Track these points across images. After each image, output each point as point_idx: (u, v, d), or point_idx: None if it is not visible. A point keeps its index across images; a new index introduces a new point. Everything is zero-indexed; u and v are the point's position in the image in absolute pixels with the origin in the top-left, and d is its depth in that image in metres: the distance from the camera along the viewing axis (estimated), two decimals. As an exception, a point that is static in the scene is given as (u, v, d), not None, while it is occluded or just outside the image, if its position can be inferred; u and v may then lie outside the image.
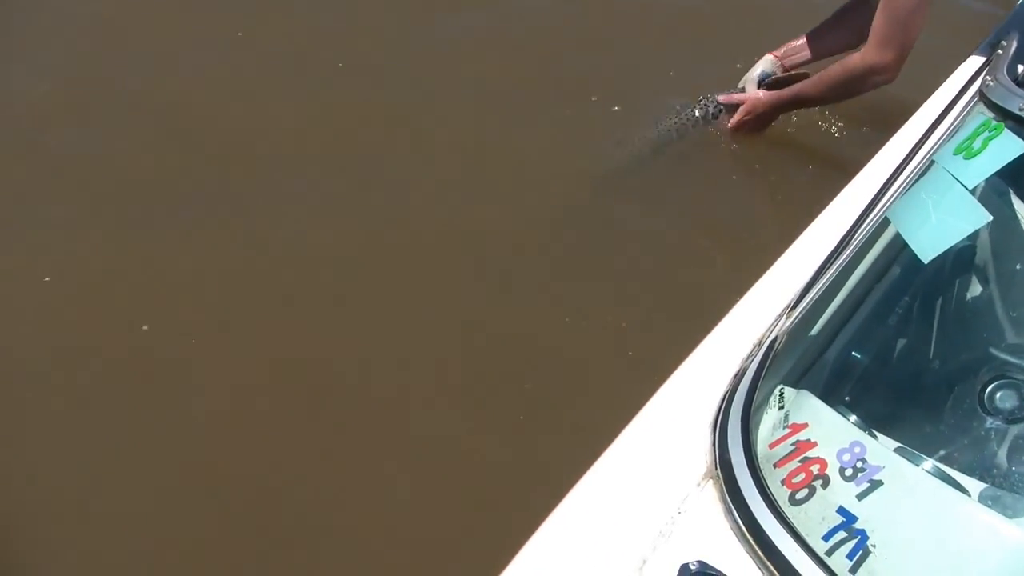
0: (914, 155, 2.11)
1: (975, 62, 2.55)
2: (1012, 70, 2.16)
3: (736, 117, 3.50)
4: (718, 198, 3.51)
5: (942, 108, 2.30)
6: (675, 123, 3.62)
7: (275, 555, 2.48)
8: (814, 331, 1.85)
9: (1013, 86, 1.94)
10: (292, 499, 2.59)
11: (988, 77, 2.03)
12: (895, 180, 2.03)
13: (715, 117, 3.60)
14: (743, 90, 3.53)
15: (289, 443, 2.70)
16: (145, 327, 3.02)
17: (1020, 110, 1.85)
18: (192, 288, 3.17)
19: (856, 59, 3.03)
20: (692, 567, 1.43)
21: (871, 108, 3.41)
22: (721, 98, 3.56)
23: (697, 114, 3.61)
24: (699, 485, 1.56)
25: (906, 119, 2.32)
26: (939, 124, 2.19)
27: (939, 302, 2.05)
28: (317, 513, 2.56)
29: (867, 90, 3.14)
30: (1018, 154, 1.77)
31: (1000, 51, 2.28)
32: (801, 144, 3.63)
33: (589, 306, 3.10)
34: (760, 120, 3.48)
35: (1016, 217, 1.91)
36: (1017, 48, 2.36)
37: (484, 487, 2.60)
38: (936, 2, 2.95)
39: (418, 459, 2.68)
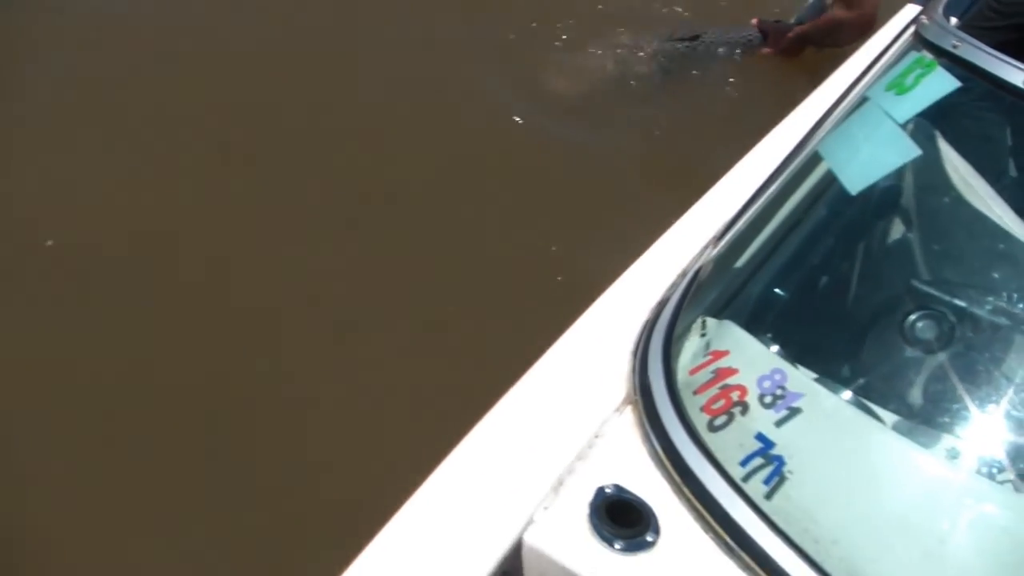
0: (849, 93, 2.12)
1: (911, 10, 2.59)
2: (948, 11, 2.19)
3: (770, 43, 4.01)
4: (676, 126, 3.56)
5: (880, 49, 2.33)
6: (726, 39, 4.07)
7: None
8: (739, 263, 1.87)
9: (947, 24, 1.97)
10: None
11: (923, 16, 2.05)
12: (829, 116, 2.04)
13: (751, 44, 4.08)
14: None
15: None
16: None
17: (953, 47, 1.87)
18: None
19: (838, 11, 3.55)
20: (608, 490, 1.44)
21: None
22: (754, 21, 4.11)
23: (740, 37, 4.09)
24: (618, 410, 1.57)
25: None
26: (876, 64, 2.21)
27: (865, 237, 2.09)
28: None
29: (847, 39, 3.50)
30: (949, 90, 1.79)
31: (934, -4, 2.30)
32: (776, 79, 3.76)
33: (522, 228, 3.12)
34: (789, 47, 3.98)
35: (942, 155, 1.93)
36: (952, -7, 2.40)
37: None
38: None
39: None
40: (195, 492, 2.50)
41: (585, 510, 1.41)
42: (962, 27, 2.43)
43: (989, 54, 1.86)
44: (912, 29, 2.08)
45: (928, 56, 1.91)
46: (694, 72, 3.92)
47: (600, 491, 1.43)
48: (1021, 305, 1.78)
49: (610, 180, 3.35)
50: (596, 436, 1.53)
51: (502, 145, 3.50)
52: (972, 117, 2.10)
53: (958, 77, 1.82)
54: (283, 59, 3.81)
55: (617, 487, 1.44)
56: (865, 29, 3.20)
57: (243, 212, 3.20)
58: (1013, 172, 2.27)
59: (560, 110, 3.67)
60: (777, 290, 1.95)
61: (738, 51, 3.99)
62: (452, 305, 2.92)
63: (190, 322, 2.88)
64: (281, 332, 2.88)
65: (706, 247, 1.81)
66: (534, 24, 4.06)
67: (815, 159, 1.92)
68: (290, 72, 3.74)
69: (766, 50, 4.00)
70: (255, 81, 3.70)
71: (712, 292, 1.79)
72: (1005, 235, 1.83)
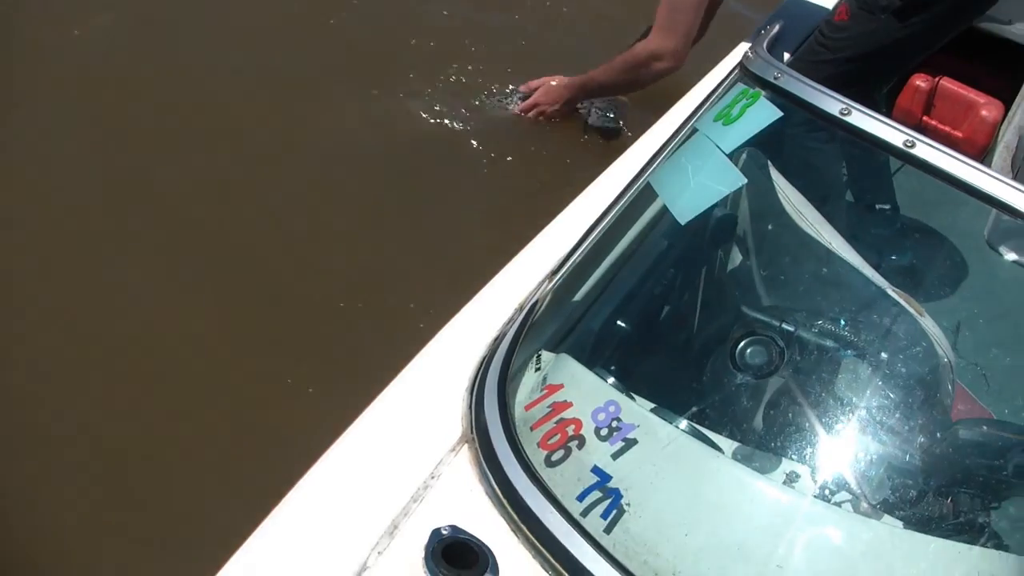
0: (682, 129, 2.19)
1: (746, 48, 2.69)
2: (774, 49, 2.28)
3: (530, 100, 3.70)
4: (493, 177, 3.59)
5: (712, 88, 2.41)
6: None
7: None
8: (575, 296, 1.91)
9: (770, 57, 2.06)
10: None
11: (749, 51, 2.14)
12: (662, 152, 2.11)
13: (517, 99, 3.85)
14: None
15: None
16: None
17: (775, 78, 1.96)
18: None
19: (640, 46, 3.20)
20: (444, 532, 1.44)
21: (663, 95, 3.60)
22: (521, 87, 3.84)
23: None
24: (454, 450, 1.58)
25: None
26: (708, 100, 2.29)
27: (697, 266, 2.16)
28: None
29: (651, 78, 3.32)
30: (772, 120, 1.87)
31: (763, 32, 2.41)
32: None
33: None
34: (555, 103, 3.67)
35: (771, 183, 2.01)
36: (780, 31, 2.51)
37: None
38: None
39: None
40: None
41: (421, 553, 1.41)
42: (793, 61, 2.55)
43: (809, 85, 1.96)
44: (739, 62, 2.17)
45: (752, 87, 1.99)
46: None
47: (436, 533, 1.44)
48: (848, 328, 1.85)
49: (449, 215, 3.38)
50: (432, 476, 1.55)
51: (342, 174, 3.51)
52: (798, 145, 2.20)
53: (780, 107, 1.91)
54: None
55: (453, 528, 1.45)
56: (677, 62, 3.16)
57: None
58: (838, 197, 2.38)
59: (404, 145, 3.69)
60: (613, 322, 2.00)
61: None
62: (290, 346, 2.90)
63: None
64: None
65: (542, 282, 1.85)
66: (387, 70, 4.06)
67: (647, 191, 1.97)
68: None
69: (525, 105, 3.74)
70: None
71: (548, 326, 1.82)
72: (832, 259, 1.91)
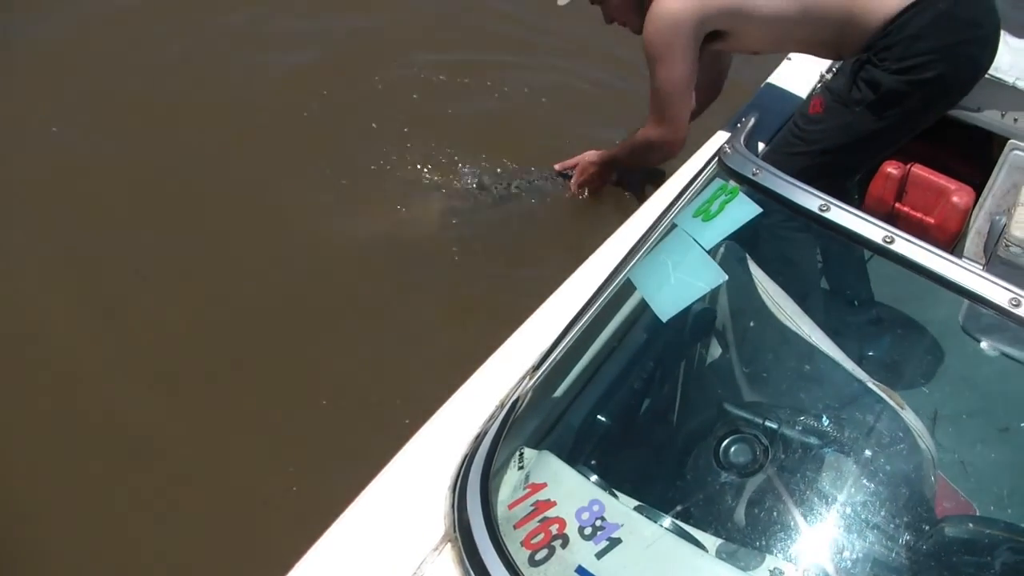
0: (661, 221, 2.21)
1: (722, 137, 2.73)
2: (750, 141, 2.32)
3: (574, 179, 3.76)
4: (470, 270, 3.58)
5: (690, 178, 2.44)
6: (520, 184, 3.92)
7: None
8: (557, 392, 1.92)
9: (748, 153, 2.09)
10: None
11: (727, 145, 2.18)
12: (642, 245, 2.12)
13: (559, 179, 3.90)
14: None
15: None
16: None
17: (753, 174, 1.99)
18: None
19: (640, 133, 3.27)
20: (428, 633, 1.44)
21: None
22: (557, 166, 3.86)
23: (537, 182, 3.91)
24: (436, 549, 1.58)
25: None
26: (686, 192, 2.31)
27: (678, 362, 2.17)
28: None
29: (657, 160, 3.40)
30: (752, 216, 1.90)
31: (739, 124, 2.44)
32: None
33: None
34: (594, 177, 3.71)
35: (752, 279, 2.03)
36: (755, 123, 2.55)
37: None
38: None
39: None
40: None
41: (404, 656, 1.41)
42: (768, 152, 2.59)
43: (787, 181, 1.99)
44: (717, 158, 2.20)
45: (731, 183, 2.02)
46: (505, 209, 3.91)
47: (419, 634, 1.43)
48: (831, 424, 1.86)
49: (420, 313, 3.39)
50: (415, 576, 1.54)
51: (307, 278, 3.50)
52: (776, 238, 2.23)
53: (759, 203, 1.93)
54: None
55: (437, 629, 1.44)
56: (674, 147, 3.17)
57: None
58: (816, 289, 2.41)
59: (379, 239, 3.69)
60: (594, 419, 2.01)
61: (548, 198, 3.84)
62: (272, 445, 2.88)
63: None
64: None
65: (523, 378, 1.85)
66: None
67: (627, 286, 1.99)
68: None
69: (573, 184, 3.80)
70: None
71: (530, 423, 1.83)
72: (813, 353, 1.92)
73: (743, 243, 2.06)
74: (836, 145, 2.65)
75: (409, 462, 1.72)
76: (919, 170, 3.15)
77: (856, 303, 2.59)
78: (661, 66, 2.90)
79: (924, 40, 2.54)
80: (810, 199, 1.96)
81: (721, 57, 3.25)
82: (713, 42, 2.88)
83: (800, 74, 3.18)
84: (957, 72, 2.65)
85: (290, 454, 2.85)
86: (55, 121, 3.99)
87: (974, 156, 3.33)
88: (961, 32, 2.60)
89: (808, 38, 2.82)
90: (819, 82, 3.03)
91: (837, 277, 2.64)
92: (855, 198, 3.18)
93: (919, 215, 3.18)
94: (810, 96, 2.92)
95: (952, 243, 3.20)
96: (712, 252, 1.94)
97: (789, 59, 3.25)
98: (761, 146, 2.74)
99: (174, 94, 4.26)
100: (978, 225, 3.22)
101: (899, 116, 2.63)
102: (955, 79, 2.67)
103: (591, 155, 3.69)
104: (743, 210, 1.93)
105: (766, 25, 2.76)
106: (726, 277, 1.87)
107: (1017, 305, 1.81)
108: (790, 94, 3.11)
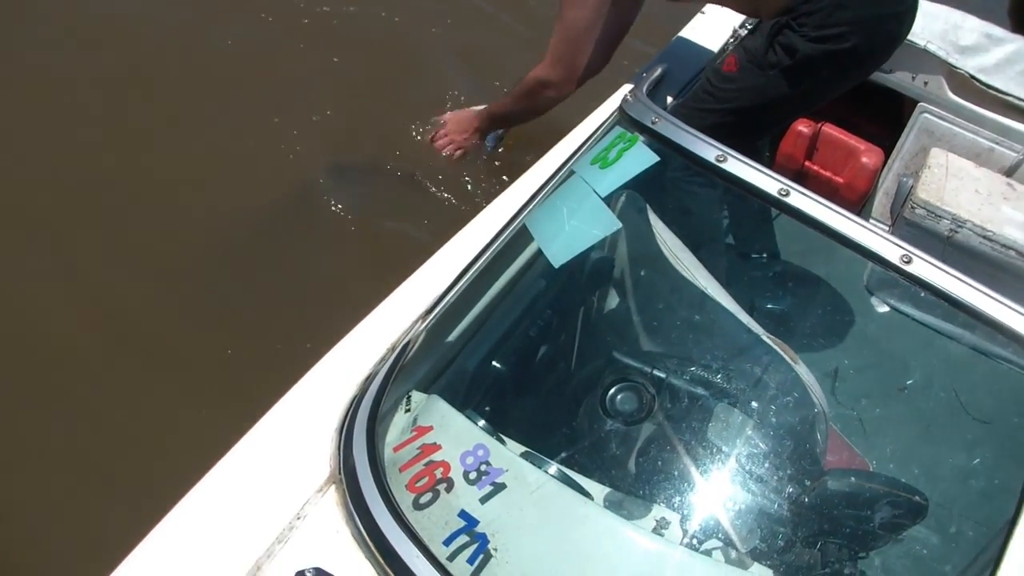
0: (561, 169, 2.23)
1: (627, 89, 2.75)
2: (655, 93, 2.35)
3: (441, 132, 3.73)
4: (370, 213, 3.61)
5: (594, 128, 2.46)
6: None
7: None
8: (448, 337, 1.94)
9: (648, 101, 2.12)
10: None
11: (628, 94, 2.20)
12: (540, 193, 2.14)
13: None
14: None
15: None
16: None
17: (652, 123, 2.02)
18: None
19: (531, 73, 3.19)
20: (308, 574, 1.45)
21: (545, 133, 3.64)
22: (435, 116, 3.86)
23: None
24: (321, 490, 1.60)
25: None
26: (587, 141, 2.33)
27: (572, 309, 2.20)
28: None
29: (543, 107, 3.30)
30: (649, 164, 1.93)
31: (644, 74, 2.47)
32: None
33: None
34: (465, 132, 3.69)
35: (652, 230, 2.06)
36: (662, 74, 2.58)
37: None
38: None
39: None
40: None
41: (283, 596, 1.43)
42: (677, 106, 2.63)
43: (686, 131, 2.03)
44: (618, 106, 2.22)
45: (630, 131, 2.05)
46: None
47: (300, 575, 1.45)
48: (721, 374, 1.91)
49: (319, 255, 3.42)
50: (297, 518, 1.56)
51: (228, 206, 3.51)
52: (678, 189, 2.27)
53: (657, 152, 1.96)
54: None
55: (317, 571, 1.47)
56: (562, 90, 3.13)
57: None
58: (716, 242, 2.46)
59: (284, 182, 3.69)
60: (485, 364, 2.04)
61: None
62: (171, 378, 2.90)
63: None
64: None
65: (415, 322, 1.87)
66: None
67: (524, 233, 2.01)
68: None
69: (436, 137, 3.74)
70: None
71: (420, 367, 1.85)
72: (707, 304, 1.97)
73: (645, 193, 2.09)
74: (747, 105, 2.67)
75: (296, 403, 1.73)
76: (830, 129, 3.21)
77: (757, 258, 2.64)
78: (570, 4, 2.89)
79: (846, 10, 2.55)
80: (708, 149, 2.00)
81: (627, 11, 3.23)
82: None
83: (713, 29, 3.21)
84: (874, 44, 2.69)
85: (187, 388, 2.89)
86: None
87: (885, 117, 3.40)
88: (884, 5, 2.64)
89: None
90: (732, 38, 3.07)
91: (740, 232, 2.69)
92: (766, 156, 3.23)
93: (828, 174, 3.25)
94: (724, 53, 2.96)
95: (860, 203, 3.27)
96: (613, 201, 1.97)
97: (703, 13, 3.27)
98: (669, 100, 2.77)
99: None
100: (886, 186, 3.30)
101: (813, 83, 2.66)
102: (872, 51, 2.71)
103: (466, 111, 3.71)
104: (640, 158, 1.96)
105: None
106: (620, 225, 1.91)
107: (908, 262, 1.87)
108: (701, 49, 3.13)
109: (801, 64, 2.59)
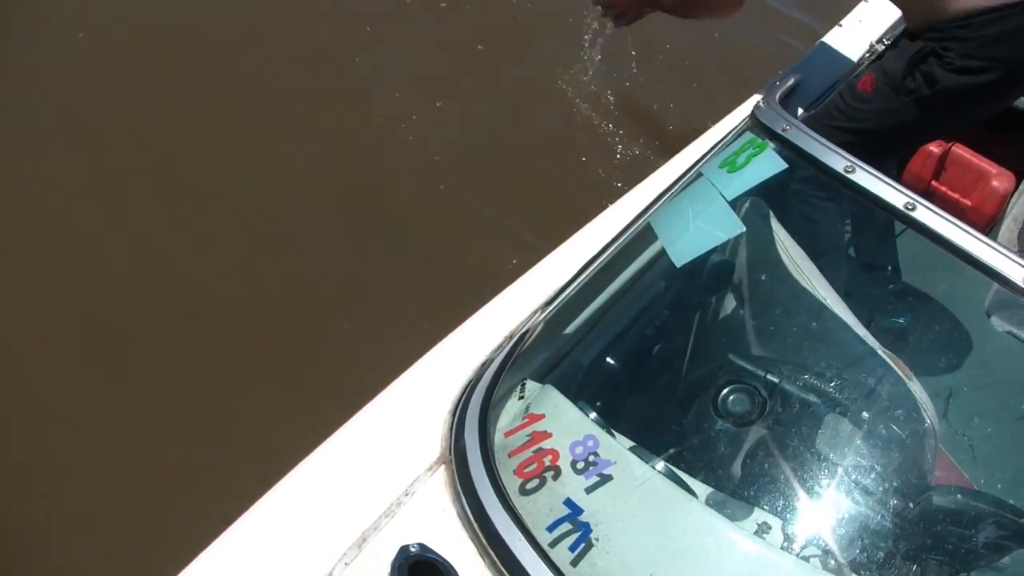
0: (689, 170, 2.23)
1: (756, 98, 2.72)
2: (787, 101, 2.32)
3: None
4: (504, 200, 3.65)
5: (722, 135, 2.44)
6: None
7: None
8: (566, 329, 1.95)
9: (780, 109, 2.11)
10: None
11: (761, 101, 2.18)
12: (666, 193, 2.14)
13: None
14: None
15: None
16: None
17: (783, 130, 2.00)
18: None
19: None
20: (412, 549, 1.49)
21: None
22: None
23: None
24: (430, 469, 1.63)
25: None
26: (717, 145, 2.32)
27: (689, 310, 2.20)
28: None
29: (709, 9, 2.92)
30: (777, 171, 1.92)
31: (778, 83, 2.44)
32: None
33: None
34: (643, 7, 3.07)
35: (774, 236, 2.04)
36: (795, 84, 2.55)
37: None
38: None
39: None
40: None
41: (387, 569, 1.45)
42: (808, 118, 2.59)
43: (816, 140, 2.01)
44: (750, 112, 2.21)
45: (760, 137, 2.03)
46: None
47: (404, 549, 1.48)
48: (834, 384, 1.88)
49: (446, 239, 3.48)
50: (406, 494, 1.59)
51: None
52: (803, 199, 2.24)
53: (786, 159, 1.95)
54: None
55: (421, 546, 1.49)
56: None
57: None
58: (837, 253, 2.41)
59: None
60: (601, 358, 2.04)
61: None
62: (288, 357, 2.97)
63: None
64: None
65: (535, 312, 1.88)
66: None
67: (648, 231, 2.01)
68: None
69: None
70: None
71: (536, 356, 1.87)
72: (825, 313, 1.94)
73: (770, 200, 2.08)
74: (878, 128, 2.56)
75: (413, 383, 1.77)
76: (960, 150, 3.13)
77: (879, 272, 2.59)
78: None
79: (999, 45, 2.42)
80: (836, 159, 1.98)
81: None
82: None
83: (851, 42, 3.15)
84: (1019, 83, 2.60)
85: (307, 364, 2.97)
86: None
87: (1018, 141, 3.31)
88: None
89: None
90: (868, 52, 3.00)
91: (862, 245, 2.63)
92: (893, 173, 3.16)
93: (956, 195, 3.17)
94: (861, 69, 2.86)
95: (987, 228, 3.18)
96: (737, 205, 1.96)
97: (840, 26, 3.21)
98: (800, 111, 2.73)
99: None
100: (1015, 212, 3.20)
101: (949, 114, 2.56)
102: (1015, 88, 2.62)
103: None
104: (769, 164, 1.95)
105: None
106: (744, 228, 1.90)
107: None
108: (837, 61, 3.07)
109: (940, 95, 2.48)
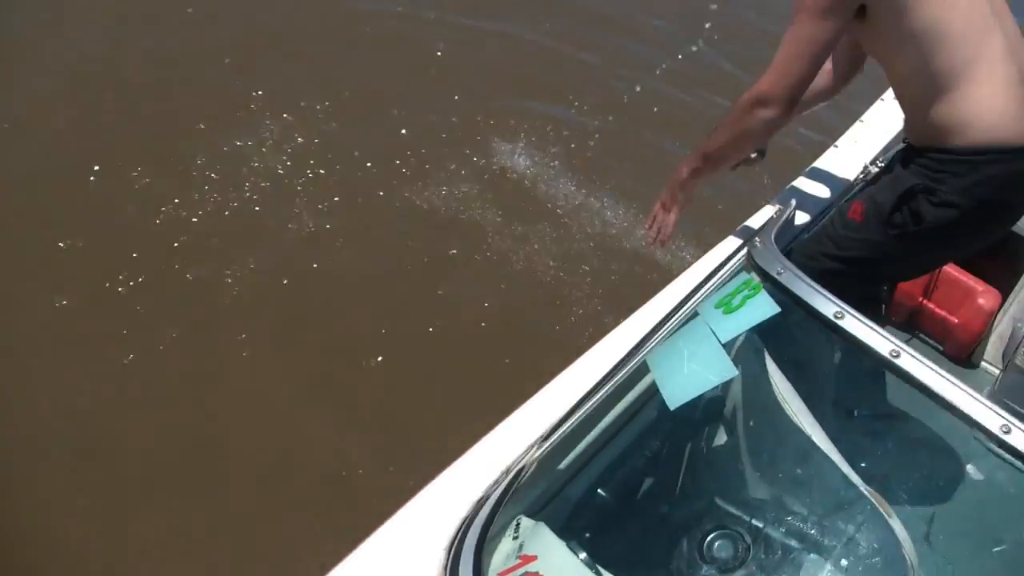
0: (686, 303, 2.25)
1: (760, 218, 2.72)
2: (780, 236, 2.34)
3: (653, 215, 2.98)
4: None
5: (716, 263, 2.46)
6: None
7: None
8: (560, 465, 1.97)
9: (776, 250, 2.13)
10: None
11: (757, 239, 2.21)
12: (662, 326, 2.16)
13: None
14: None
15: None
16: None
17: (778, 274, 2.04)
18: None
19: (745, 94, 2.66)
20: None
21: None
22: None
23: None
24: (426, 608, 1.64)
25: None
26: (712, 278, 2.34)
27: (681, 449, 2.21)
28: None
29: (759, 130, 2.69)
30: (771, 314, 1.95)
31: (774, 216, 2.46)
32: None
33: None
34: (674, 199, 2.90)
35: (765, 371, 2.07)
36: (788, 218, 2.56)
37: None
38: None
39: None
40: None
41: None
42: (798, 245, 2.61)
43: (808, 284, 2.04)
44: (746, 249, 2.24)
45: (756, 278, 2.07)
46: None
47: None
48: (816, 527, 1.91)
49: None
50: (402, 631, 1.60)
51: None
52: (796, 336, 2.26)
53: (779, 302, 1.98)
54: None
55: None
56: (776, 107, 2.57)
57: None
58: (826, 392, 2.43)
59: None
60: (593, 495, 2.06)
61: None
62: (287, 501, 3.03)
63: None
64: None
65: (531, 447, 1.91)
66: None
67: (643, 368, 2.04)
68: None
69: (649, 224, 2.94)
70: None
71: (531, 493, 1.90)
72: (810, 452, 1.97)
73: (762, 334, 2.10)
74: (867, 258, 2.56)
75: (409, 519, 1.79)
76: (950, 269, 3.18)
77: (866, 408, 2.61)
78: (800, 10, 2.48)
79: (990, 187, 2.39)
80: (827, 305, 2.01)
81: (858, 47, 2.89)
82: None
83: (845, 164, 3.17)
84: (1005, 225, 2.60)
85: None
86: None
87: (1005, 259, 3.35)
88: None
89: (907, 71, 2.48)
90: (863, 174, 3.01)
91: (851, 384, 2.63)
92: (885, 290, 3.19)
93: (944, 313, 3.22)
94: (852, 195, 2.87)
95: (974, 344, 3.22)
96: (730, 341, 1.98)
97: (836, 147, 3.23)
98: (792, 236, 2.72)
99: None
100: (1001, 329, 3.25)
101: (935, 250, 2.60)
102: (1000, 229, 2.62)
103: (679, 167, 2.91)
104: (763, 308, 1.98)
105: (895, 15, 2.40)
106: (737, 373, 1.93)
107: (1007, 432, 1.85)
108: (831, 184, 3.06)
109: (926, 232, 2.45)
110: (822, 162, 3.09)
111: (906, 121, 2.61)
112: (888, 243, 2.49)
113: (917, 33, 2.36)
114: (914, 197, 2.43)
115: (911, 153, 2.51)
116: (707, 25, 5.90)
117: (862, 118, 3.30)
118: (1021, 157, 2.36)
